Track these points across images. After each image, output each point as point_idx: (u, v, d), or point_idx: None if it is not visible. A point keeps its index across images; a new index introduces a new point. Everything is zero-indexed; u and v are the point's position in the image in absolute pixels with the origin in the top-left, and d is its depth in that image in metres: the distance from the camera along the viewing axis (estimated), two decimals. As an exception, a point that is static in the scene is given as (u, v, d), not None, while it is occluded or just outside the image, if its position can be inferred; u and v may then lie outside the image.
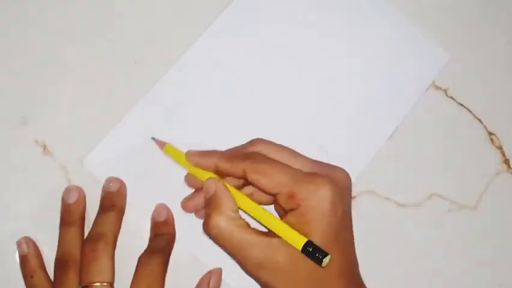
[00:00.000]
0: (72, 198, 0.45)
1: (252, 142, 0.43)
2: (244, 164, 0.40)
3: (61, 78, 0.48)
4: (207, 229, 0.40)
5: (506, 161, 0.52)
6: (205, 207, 0.41)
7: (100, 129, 0.48)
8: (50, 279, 0.43)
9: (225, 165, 0.41)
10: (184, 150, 0.45)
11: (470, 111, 0.52)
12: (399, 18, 0.52)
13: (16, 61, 0.48)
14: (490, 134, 0.52)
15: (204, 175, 0.43)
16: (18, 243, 0.45)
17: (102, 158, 0.47)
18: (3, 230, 0.46)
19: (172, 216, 0.46)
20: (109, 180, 0.46)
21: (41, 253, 0.45)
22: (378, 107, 0.51)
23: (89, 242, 0.42)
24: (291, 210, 0.39)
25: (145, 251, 0.44)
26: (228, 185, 0.42)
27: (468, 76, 0.53)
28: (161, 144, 0.46)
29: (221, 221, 0.39)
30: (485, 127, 0.52)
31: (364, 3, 0.52)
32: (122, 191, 0.46)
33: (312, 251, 0.37)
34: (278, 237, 0.39)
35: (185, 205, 0.45)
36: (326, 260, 0.37)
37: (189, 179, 0.45)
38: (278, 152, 0.42)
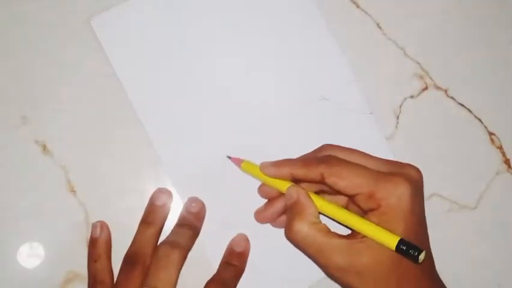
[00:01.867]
0: (160, 201, 0.46)
1: (321, 148, 0.44)
2: (320, 168, 0.41)
3: (61, 78, 0.48)
4: (290, 235, 0.40)
5: (507, 161, 0.52)
6: (287, 213, 0.42)
7: (100, 129, 0.48)
8: (112, 269, 0.45)
9: (300, 172, 0.42)
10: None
11: (470, 111, 0.52)
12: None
13: (16, 61, 0.48)
14: (490, 134, 0.52)
15: (281, 184, 0.43)
16: (93, 226, 0.46)
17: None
18: (3, 230, 0.46)
19: (248, 249, 0.47)
20: (192, 200, 0.47)
21: (111, 242, 0.46)
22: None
23: (166, 246, 0.43)
24: (371, 210, 0.39)
25: (212, 278, 0.45)
26: (308, 192, 0.42)
27: (468, 76, 0.53)
28: (239, 162, 0.46)
29: (304, 227, 0.40)
30: (485, 127, 0.52)
31: None
32: (202, 214, 0.47)
33: (406, 249, 0.37)
34: (360, 239, 0.39)
35: (260, 217, 0.46)
36: (422, 257, 0.37)
37: (263, 191, 0.46)
38: (350, 154, 0.42)
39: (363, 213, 0.40)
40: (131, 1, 0.49)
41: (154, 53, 0.49)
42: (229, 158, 0.47)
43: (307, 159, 0.43)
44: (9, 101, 0.48)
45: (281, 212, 0.45)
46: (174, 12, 0.49)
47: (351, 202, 0.42)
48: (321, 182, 0.41)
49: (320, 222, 0.41)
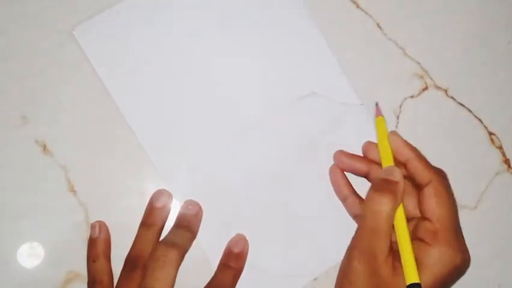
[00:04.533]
0: (160, 203, 0.46)
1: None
2: (431, 178, 0.42)
3: (61, 78, 0.48)
4: (377, 207, 0.40)
5: (507, 161, 0.52)
6: (377, 189, 0.41)
7: (100, 129, 0.48)
8: (111, 269, 0.45)
9: (419, 165, 0.43)
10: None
11: (470, 111, 0.52)
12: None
13: (16, 61, 0.48)
14: (490, 134, 0.52)
15: (388, 159, 0.44)
16: (92, 226, 0.46)
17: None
18: (3, 230, 0.46)
19: (247, 250, 0.47)
20: (189, 203, 0.47)
21: (110, 242, 0.46)
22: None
23: (163, 246, 0.43)
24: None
25: (209, 282, 0.45)
26: None
27: (468, 76, 0.53)
28: (378, 113, 0.47)
29: (389, 207, 0.39)
30: (485, 127, 0.52)
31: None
32: (199, 216, 0.47)
33: None
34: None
35: (340, 159, 0.47)
36: None
37: (345, 159, 0.47)
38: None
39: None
40: (115, 7, 0.48)
41: (138, 59, 0.48)
42: (377, 105, 0.48)
43: (427, 161, 0.44)
44: (9, 101, 0.48)
45: (359, 172, 0.46)
46: (157, 14, 0.49)
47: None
48: (420, 188, 0.42)
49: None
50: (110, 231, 0.47)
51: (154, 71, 0.48)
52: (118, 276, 0.44)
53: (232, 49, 0.50)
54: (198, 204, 0.47)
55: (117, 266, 0.45)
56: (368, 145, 0.47)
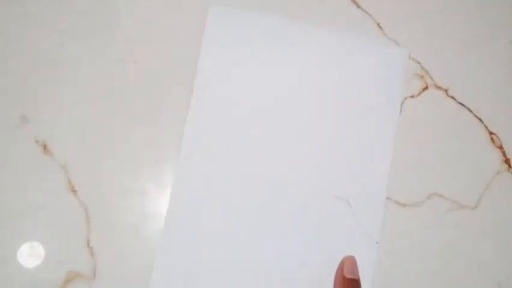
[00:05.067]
0: (352, 274, 0.44)
1: None
2: None
3: (61, 78, 0.48)
4: None
5: (507, 161, 0.52)
6: None
7: (100, 129, 0.48)
8: None
9: None
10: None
11: (470, 110, 0.52)
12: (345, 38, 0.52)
13: (16, 61, 0.48)
14: (491, 133, 0.52)
15: None
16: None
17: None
18: (3, 230, 0.46)
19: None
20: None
21: None
22: (369, 132, 0.50)
23: None
24: None
25: None
26: None
27: (468, 76, 0.53)
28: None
29: None
30: (485, 127, 0.52)
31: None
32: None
33: None
34: None
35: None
36: None
37: None
38: None
39: None
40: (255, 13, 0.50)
41: (238, 87, 0.50)
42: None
43: None
44: (9, 101, 0.48)
45: None
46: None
47: None
48: None
49: None
50: (110, 231, 0.47)
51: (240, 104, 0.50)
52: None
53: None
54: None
55: (116, 265, 0.45)
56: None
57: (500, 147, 0.52)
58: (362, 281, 0.43)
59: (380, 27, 0.52)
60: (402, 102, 0.52)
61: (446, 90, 0.52)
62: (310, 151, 0.49)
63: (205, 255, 0.47)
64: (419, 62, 0.52)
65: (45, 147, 0.48)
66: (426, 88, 0.52)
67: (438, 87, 0.52)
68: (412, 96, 0.52)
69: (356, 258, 0.44)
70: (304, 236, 0.48)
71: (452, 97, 0.52)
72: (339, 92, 0.51)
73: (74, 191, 0.47)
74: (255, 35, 0.51)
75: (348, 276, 0.43)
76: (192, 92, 0.49)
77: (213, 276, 0.47)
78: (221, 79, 0.50)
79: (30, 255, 0.46)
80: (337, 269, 0.44)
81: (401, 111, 0.52)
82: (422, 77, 0.52)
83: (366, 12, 0.52)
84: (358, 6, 0.52)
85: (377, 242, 0.48)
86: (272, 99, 0.50)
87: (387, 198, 0.49)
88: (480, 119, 0.52)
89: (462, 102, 0.52)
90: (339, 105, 0.50)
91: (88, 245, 0.46)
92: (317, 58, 0.51)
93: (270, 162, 0.49)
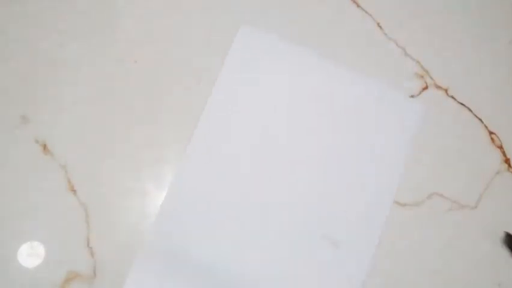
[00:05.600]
0: None
1: None
2: None
3: (61, 78, 0.48)
4: None
5: (507, 161, 0.52)
6: None
7: (100, 129, 0.48)
8: None
9: None
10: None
11: (470, 110, 0.52)
12: (371, 85, 0.52)
13: (16, 61, 0.48)
14: (491, 133, 0.52)
15: None
16: None
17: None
18: (3, 229, 0.46)
19: None
20: None
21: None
22: (374, 177, 0.50)
23: None
24: None
25: None
26: None
27: (468, 76, 0.53)
28: None
29: None
30: (485, 126, 0.52)
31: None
32: None
33: None
34: None
35: None
36: None
37: None
38: None
39: None
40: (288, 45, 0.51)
41: (249, 107, 0.50)
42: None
43: None
44: (9, 101, 0.48)
45: None
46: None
47: None
48: None
49: None
50: (110, 231, 0.47)
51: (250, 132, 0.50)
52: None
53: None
54: None
55: (117, 266, 0.45)
56: None
57: (500, 147, 0.52)
58: None
59: (380, 27, 0.52)
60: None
61: (446, 90, 0.52)
62: (308, 185, 0.49)
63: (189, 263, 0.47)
64: (419, 62, 0.52)
65: (45, 147, 0.48)
66: (426, 88, 0.52)
67: (438, 87, 0.52)
68: (412, 96, 0.52)
69: None
70: (289, 272, 0.48)
71: (452, 97, 0.52)
72: (348, 135, 0.50)
73: (74, 191, 0.47)
74: (277, 62, 0.51)
75: None
76: (207, 102, 0.49)
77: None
78: (236, 97, 0.50)
79: (30, 255, 0.46)
80: None
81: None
82: (422, 77, 0.52)
83: (366, 12, 0.52)
84: (358, 6, 0.52)
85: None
86: (281, 125, 0.50)
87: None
88: (480, 119, 0.52)
89: (462, 102, 0.52)
90: (346, 148, 0.50)
91: (88, 245, 0.47)
92: (333, 99, 0.51)
93: (268, 188, 0.49)
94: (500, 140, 0.52)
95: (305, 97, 0.51)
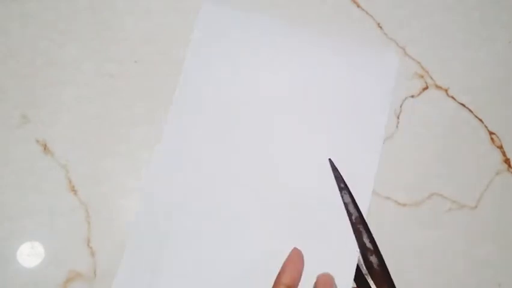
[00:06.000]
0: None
1: None
2: None
3: (61, 78, 0.48)
4: None
5: (507, 161, 0.52)
6: None
7: (100, 129, 0.48)
8: None
9: None
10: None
11: (470, 110, 0.52)
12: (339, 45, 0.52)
13: (16, 61, 0.48)
14: (491, 133, 0.52)
15: None
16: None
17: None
18: (3, 229, 0.46)
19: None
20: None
21: None
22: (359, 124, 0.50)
23: None
24: None
25: None
26: None
27: (468, 76, 0.53)
28: None
29: None
30: (485, 126, 0.52)
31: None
32: None
33: None
34: None
35: None
36: None
37: None
38: None
39: None
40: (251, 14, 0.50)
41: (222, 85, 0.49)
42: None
43: None
44: (9, 101, 0.48)
45: None
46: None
47: None
48: None
49: None
50: (110, 231, 0.47)
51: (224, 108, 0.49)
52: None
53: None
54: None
55: (114, 262, 0.45)
56: None
57: (500, 147, 0.52)
58: None
59: (380, 27, 0.52)
60: (403, 102, 0.52)
61: (446, 90, 0.52)
62: (291, 161, 0.49)
63: (174, 255, 0.46)
64: (419, 62, 0.52)
65: (45, 147, 0.48)
66: (426, 88, 0.52)
67: (438, 87, 0.52)
68: (412, 96, 0.52)
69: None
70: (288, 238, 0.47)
71: (452, 97, 0.52)
72: (328, 97, 0.50)
73: (74, 191, 0.47)
74: (246, 35, 0.50)
75: None
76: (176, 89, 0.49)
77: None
78: (207, 78, 0.50)
79: (30, 255, 0.46)
80: None
81: (401, 110, 0.52)
82: (422, 76, 0.52)
83: (366, 13, 0.52)
84: (358, 6, 0.52)
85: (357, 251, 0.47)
86: (259, 101, 0.49)
87: (387, 198, 0.49)
88: (480, 119, 0.52)
89: (462, 102, 0.52)
90: (326, 112, 0.50)
91: (88, 245, 0.46)
92: (308, 59, 0.50)
93: (251, 166, 0.48)
94: (500, 140, 0.52)
95: (281, 70, 0.50)
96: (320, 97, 0.50)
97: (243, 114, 0.49)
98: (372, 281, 0.45)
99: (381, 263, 0.46)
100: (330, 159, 0.48)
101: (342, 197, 0.47)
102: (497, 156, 0.52)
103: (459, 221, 0.50)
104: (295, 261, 0.43)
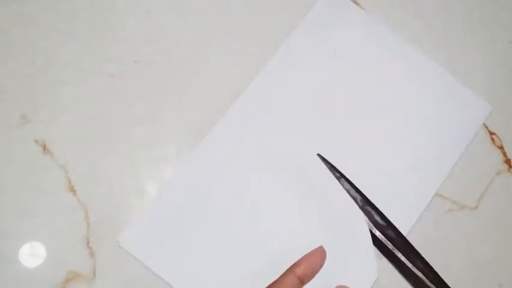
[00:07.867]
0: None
1: None
2: None
3: (61, 78, 0.49)
4: None
5: (507, 161, 0.52)
6: None
7: (100, 129, 0.48)
8: None
9: None
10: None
11: (470, 111, 0.52)
12: (439, 72, 0.52)
13: (16, 61, 0.48)
14: (491, 133, 0.52)
15: None
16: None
17: (136, 237, 0.46)
18: (3, 229, 0.46)
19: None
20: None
21: None
22: (425, 164, 0.50)
23: None
24: None
25: None
26: None
27: (468, 76, 0.53)
28: None
29: None
30: (485, 126, 0.52)
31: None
32: None
33: None
34: None
35: None
36: None
37: None
38: None
39: None
40: None
41: None
42: None
43: None
44: (9, 101, 0.48)
45: None
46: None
47: None
48: None
49: None
50: (110, 231, 0.47)
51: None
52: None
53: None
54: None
55: (114, 262, 0.45)
56: None
57: (500, 147, 0.52)
58: None
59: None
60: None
61: (446, 90, 0.52)
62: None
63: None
64: (419, 62, 0.52)
65: (45, 147, 0.48)
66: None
67: (438, 87, 0.52)
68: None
69: None
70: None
71: (452, 97, 0.52)
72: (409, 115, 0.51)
73: (73, 191, 0.47)
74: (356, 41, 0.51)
75: None
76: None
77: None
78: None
79: (30, 255, 0.46)
80: None
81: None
82: (422, 77, 0.52)
83: (366, 13, 0.52)
84: (358, 6, 0.52)
85: None
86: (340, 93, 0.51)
87: (387, 198, 0.49)
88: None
89: (462, 102, 0.52)
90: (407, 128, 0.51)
91: (88, 245, 0.46)
92: (408, 82, 0.51)
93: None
94: (500, 141, 0.52)
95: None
96: (394, 107, 0.51)
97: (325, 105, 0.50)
98: (400, 253, 0.47)
99: (398, 235, 0.47)
100: (318, 154, 0.48)
101: (341, 185, 0.48)
102: (498, 156, 0.52)
103: (459, 222, 0.50)
104: (314, 257, 0.42)
